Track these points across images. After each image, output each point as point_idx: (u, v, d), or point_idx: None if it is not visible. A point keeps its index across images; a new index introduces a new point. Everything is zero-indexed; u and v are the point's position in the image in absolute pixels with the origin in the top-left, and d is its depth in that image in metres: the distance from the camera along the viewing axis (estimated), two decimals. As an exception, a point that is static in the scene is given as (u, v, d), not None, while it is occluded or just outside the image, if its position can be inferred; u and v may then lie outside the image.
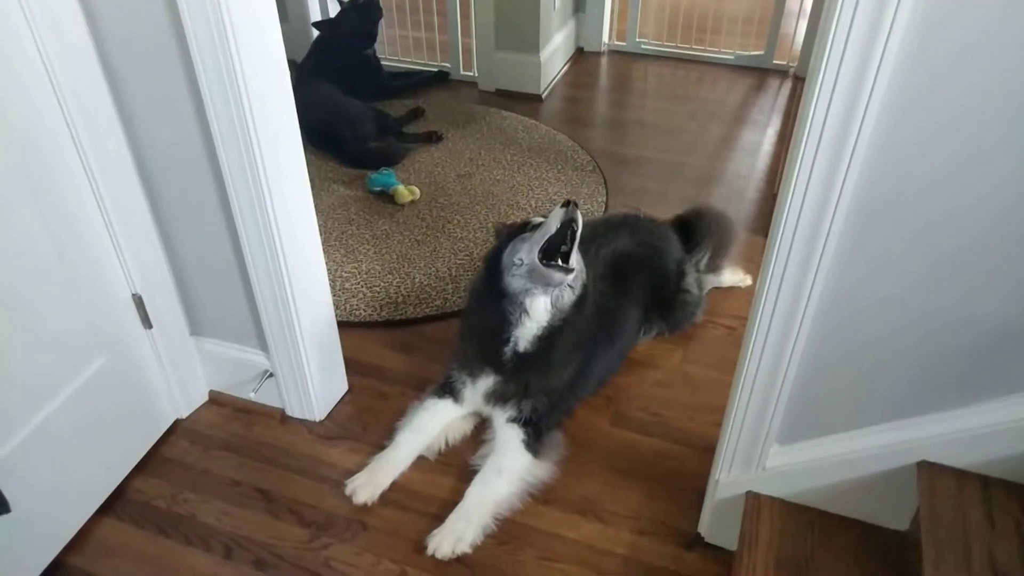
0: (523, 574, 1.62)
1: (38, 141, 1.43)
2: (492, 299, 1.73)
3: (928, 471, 1.28)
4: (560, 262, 1.63)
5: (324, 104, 3.11)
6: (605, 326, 1.93)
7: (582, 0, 3.88)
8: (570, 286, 1.70)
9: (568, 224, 1.63)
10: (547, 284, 1.66)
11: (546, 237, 1.63)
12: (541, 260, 1.63)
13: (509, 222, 1.80)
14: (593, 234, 2.13)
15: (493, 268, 1.73)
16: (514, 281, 1.68)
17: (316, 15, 3.85)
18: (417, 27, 3.93)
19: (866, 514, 1.42)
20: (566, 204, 1.63)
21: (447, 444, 1.88)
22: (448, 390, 1.90)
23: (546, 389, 1.81)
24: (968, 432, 1.25)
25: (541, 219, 1.70)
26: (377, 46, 3.59)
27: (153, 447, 1.88)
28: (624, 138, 3.34)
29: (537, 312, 1.70)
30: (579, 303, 1.74)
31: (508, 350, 1.74)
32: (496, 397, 1.82)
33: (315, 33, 3.72)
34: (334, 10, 3.89)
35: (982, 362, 1.20)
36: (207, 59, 1.37)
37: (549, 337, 1.73)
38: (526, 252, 1.65)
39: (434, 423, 1.87)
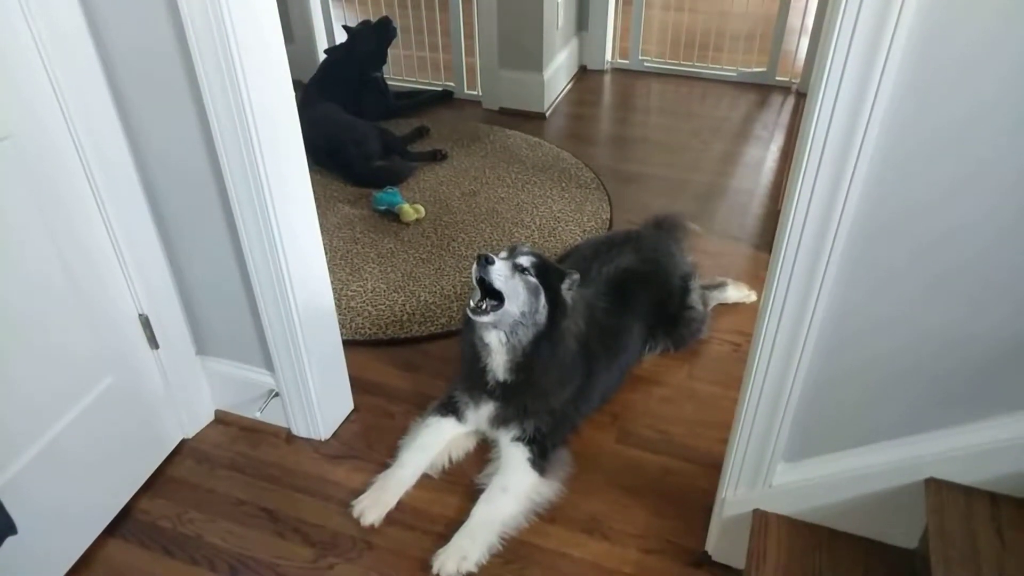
0: (529, 594, 1.61)
1: (48, 163, 1.45)
2: (468, 332, 1.80)
3: (936, 488, 1.28)
4: (471, 304, 1.68)
5: (329, 123, 3.13)
6: (606, 342, 1.94)
7: (585, 18, 3.92)
8: (521, 323, 1.71)
9: (482, 280, 1.66)
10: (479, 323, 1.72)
11: (473, 290, 1.70)
12: (469, 302, 1.70)
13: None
14: (596, 252, 2.15)
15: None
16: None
17: (322, 36, 3.89)
18: (421, 47, 3.96)
19: (874, 532, 1.41)
20: (478, 259, 1.66)
21: (450, 461, 1.88)
22: (451, 408, 1.90)
23: (547, 409, 1.82)
24: (976, 448, 1.24)
25: (526, 247, 1.76)
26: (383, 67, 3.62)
27: (159, 467, 1.88)
28: (628, 155, 3.35)
29: (493, 344, 1.74)
30: (544, 336, 1.73)
31: (490, 379, 1.78)
32: (498, 421, 1.83)
33: (321, 55, 3.76)
34: (339, 31, 3.93)
35: (988, 378, 1.20)
36: (212, 80, 1.39)
37: (525, 367, 1.75)
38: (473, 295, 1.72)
39: (437, 441, 1.87)
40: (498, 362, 1.76)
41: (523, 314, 1.70)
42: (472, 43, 3.63)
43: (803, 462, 1.41)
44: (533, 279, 1.71)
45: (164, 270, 1.75)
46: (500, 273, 1.65)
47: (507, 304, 1.67)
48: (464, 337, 1.85)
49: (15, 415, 1.47)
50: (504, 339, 1.73)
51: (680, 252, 2.29)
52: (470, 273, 1.75)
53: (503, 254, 1.74)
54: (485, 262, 1.64)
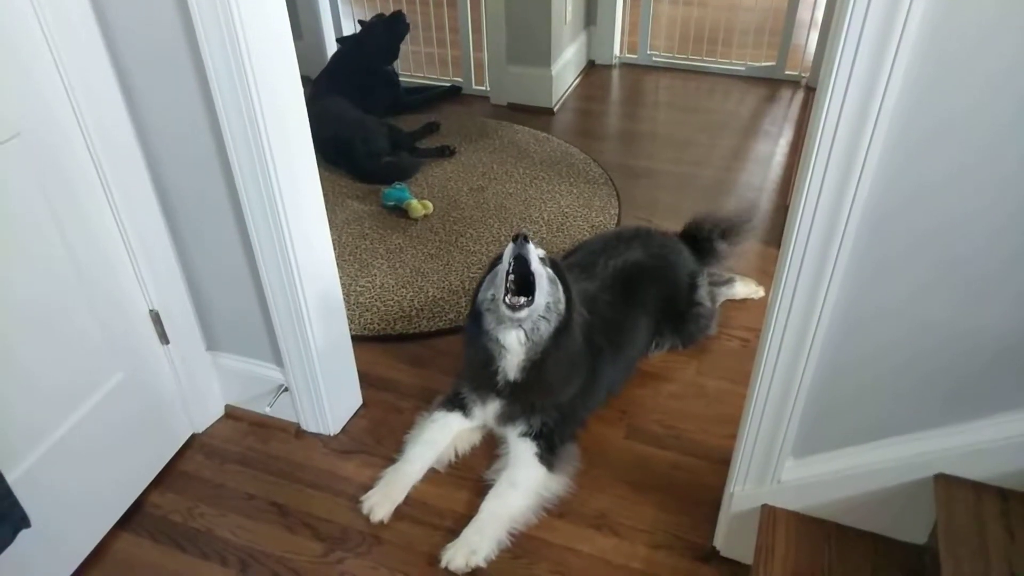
0: (538, 588, 1.62)
1: (58, 159, 1.46)
2: (477, 334, 1.76)
3: (945, 484, 1.27)
4: (508, 299, 1.63)
5: (338, 120, 3.14)
6: (612, 336, 1.94)
7: (593, 13, 3.91)
8: (544, 317, 1.69)
9: (521, 258, 1.63)
10: (505, 319, 1.67)
11: (504, 273, 1.64)
12: (504, 296, 1.64)
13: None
14: (604, 246, 2.15)
15: (474, 304, 1.77)
16: (488, 317, 1.71)
17: (330, 33, 3.89)
18: (430, 42, 3.96)
19: (883, 527, 1.41)
20: (515, 238, 1.63)
21: (457, 456, 1.89)
22: (457, 404, 1.90)
23: (554, 404, 1.82)
24: (985, 444, 1.23)
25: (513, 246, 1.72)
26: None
27: (170, 461, 1.90)
28: (636, 150, 3.34)
29: (512, 345, 1.71)
30: (562, 329, 1.73)
31: (500, 379, 1.77)
32: (505, 418, 1.83)
33: (330, 51, 3.75)
34: (348, 28, 3.93)
35: (998, 373, 1.19)
36: (222, 76, 1.40)
37: (539, 364, 1.74)
38: (494, 288, 1.68)
39: (444, 435, 1.88)
40: (513, 362, 1.74)
41: (547, 306, 1.69)
42: (480, 38, 3.63)
43: (812, 458, 1.41)
44: (550, 269, 1.71)
45: (174, 266, 1.76)
46: (536, 254, 1.64)
47: (537, 297, 1.65)
48: (473, 341, 1.81)
49: (28, 409, 1.48)
50: (524, 338, 1.70)
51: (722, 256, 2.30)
52: (487, 266, 1.73)
53: (510, 247, 1.73)
54: (524, 240, 1.61)
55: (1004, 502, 1.24)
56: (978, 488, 1.26)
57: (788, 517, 1.45)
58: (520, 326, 1.69)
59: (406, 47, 3.84)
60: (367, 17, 3.53)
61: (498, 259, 1.74)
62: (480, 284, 1.78)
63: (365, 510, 1.75)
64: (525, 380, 1.76)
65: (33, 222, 1.43)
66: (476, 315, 1.76)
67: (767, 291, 2.36)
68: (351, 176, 3.09)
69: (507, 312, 1.64)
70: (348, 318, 1.94)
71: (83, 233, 1.54)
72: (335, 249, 1.80)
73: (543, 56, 3.48)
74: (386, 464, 1.86)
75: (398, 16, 3.45)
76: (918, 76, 0.99)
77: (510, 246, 1.64)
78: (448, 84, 3.82)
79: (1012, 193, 1.03)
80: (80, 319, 1.56)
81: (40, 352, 1.49)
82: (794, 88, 3.79)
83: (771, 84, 3.83)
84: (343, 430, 1.99)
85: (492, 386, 1.80)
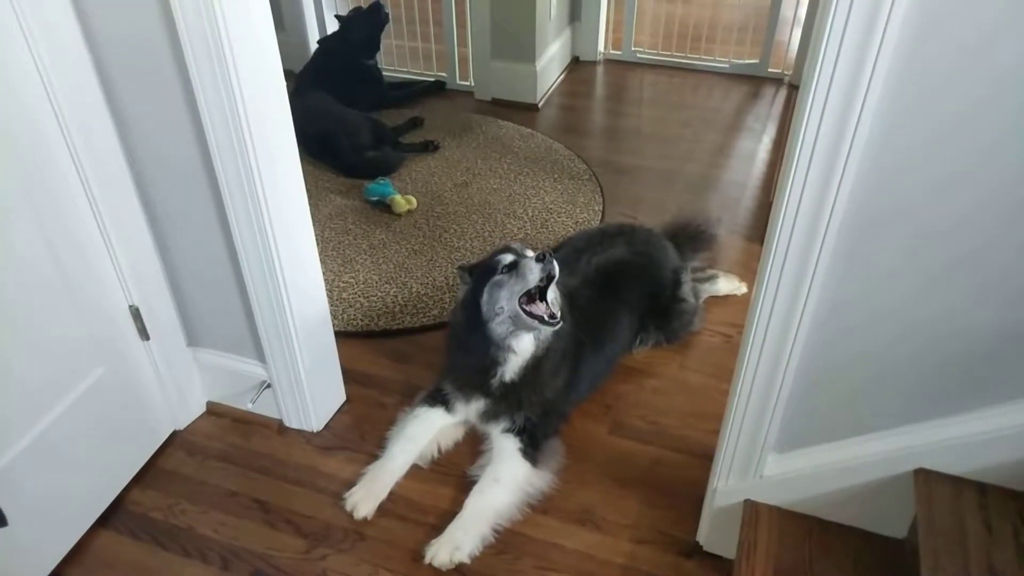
0: (522, 584, 1.62)
1: (37, 154, 1.44)
2: (477, 343, 1.75)
3: (925, 478, 1.29)
4: (545, 317, 1.67)
5: (322, 114, 3.12)
6: (593, 331, 1.94)
7: (578, 9, 3.90)
8: None
9: (547, 277, 1.66)
10: (531, 329, 1.71)
11: (525, 289, 1.66)
12: (523, 309, 1.67)
13: (472, 263, 1.86)
14: (588, 243, 2.15)
15: (474, 315, 1.74)
16: (498, 327, 1.71)
17: (313, 25, 3.86)
18: (413, 37, 3.94)
19: (864, 522, 1.42)
20: (541, 258, 1.65)
21: (440, 451, 1.89)
22: (440, 399, 1.90)
23: (539, 400, 1.82)
24: (965, 439, 1.25)
25: (511, 256, 1.72)
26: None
27: (151, 458, 1.88)
28: (620, 146, 3.35)
29: (524, 349, 1.74)
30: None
31: (495, 382, 1.78)
32: (489, 415, 1.84)
33: (313, 44, 3.73)
34: (330, 20, 3.90)
35: (978, 369, 1.20)
36: (204, 71, 1.38)
37: (534, 364, 1.76)
38: (506, 300, 1.69)
39: (426, 431, 1.88)
40: (516, 364, 1.75)
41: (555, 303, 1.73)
42: (464, 33, 3.61)
43: (794, 453, 1.42)
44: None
45: (154, 261, 1.75)
46: (557, 266, 1.67)
47: (555, 303, 1.69)
48: (471, 348, 1.78)
49: (7, 406, 1.46)
50: (534, 341, 1.74)
51: (692, 258, 2.31)
52: (479, 276, 1.73)
53: (509, 258, 1.72)
54: (552, 256, 1.64)
55: (982, 496, 1.26)
56: (957, 482, 1.28)
57: (771, 512, 1.46)
58: (533, 330, 1.72)
59: (389, 41, 3.82)
60: (346, 12, 3.51)
61: (493, 268, 1.72)
62: (478, 293, 1.73)
63: (348, 506, 1.74)
64: (519, 379, 1.77)
65: (12, 216, 1.41)
66: (478, 325, 1.73)
67: (750, 287, 2.38)
68: (334, 171, 3.07)
69: (544, 328, 1.68)
70: (331, 314, 1.93)
71: (61, 227, 1.52)
72: (318, 244, 1.79)
73: (528, 52, 3.47)
74: (369, 460, 1.85)
75: (376, 7, 3.44)
76: (902, 80, 0.99)
77: (536, 265, 1.65)
78: (432, 79, 3.80)
79: (1001, 197, 1.04)
80: (59, 314, 1.54)
81: (18, 347, 1.47)
82: (777, 85, 3.81)
83: (755, 81, 3.84)
84: (326, 426, 1.98)
85: (483, 388, 1.80)
